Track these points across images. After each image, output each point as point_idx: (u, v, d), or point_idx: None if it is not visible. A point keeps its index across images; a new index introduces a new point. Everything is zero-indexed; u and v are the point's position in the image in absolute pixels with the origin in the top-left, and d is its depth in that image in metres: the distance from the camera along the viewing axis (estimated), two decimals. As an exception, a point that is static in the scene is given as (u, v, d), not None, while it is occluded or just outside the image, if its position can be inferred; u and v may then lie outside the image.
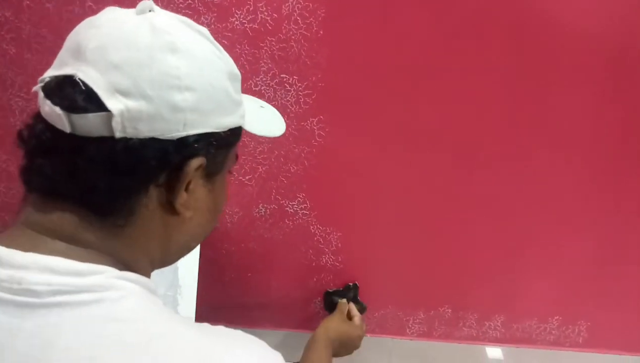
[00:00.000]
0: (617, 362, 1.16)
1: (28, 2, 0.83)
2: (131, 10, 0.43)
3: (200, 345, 0.39)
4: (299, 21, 0.83)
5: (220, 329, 0.44)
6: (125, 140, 0.39)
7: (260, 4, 0.82)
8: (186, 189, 0.44)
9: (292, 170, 0.97)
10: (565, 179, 0.97)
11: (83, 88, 0.38)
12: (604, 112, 0.90)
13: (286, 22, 0.83)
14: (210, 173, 0.46)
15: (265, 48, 0.85)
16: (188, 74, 0.41)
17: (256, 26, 0.84)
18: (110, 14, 0.42)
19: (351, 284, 1.08)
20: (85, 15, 0.84)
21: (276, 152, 0.95)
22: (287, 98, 0.90)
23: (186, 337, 0.39)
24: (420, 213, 1.01)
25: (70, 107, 0.38)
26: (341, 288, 1.09)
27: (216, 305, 1.12)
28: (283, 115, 0.91)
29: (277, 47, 0.85)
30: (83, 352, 0.35)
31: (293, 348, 1.14)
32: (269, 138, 0.93)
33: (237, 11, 0.83)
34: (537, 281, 1.08)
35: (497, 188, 0.98)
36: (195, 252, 0.96)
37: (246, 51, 0.86)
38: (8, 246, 0.38)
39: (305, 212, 1.02)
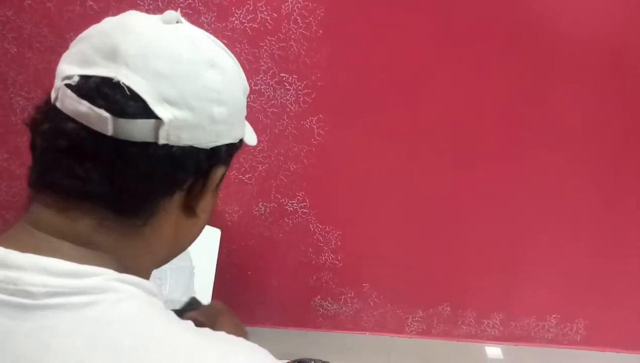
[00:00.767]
0: (615, 360, 1.17)
1: (29, 2, 0.83)
2: (157, 18, 0.44)
3: (195, 350, 0.38)
4: (299, 21, 0.84)
5: (220, 335, 0.43)
6: (167, 147, 0.40)
7: (260, 4, 0.82)
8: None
9: (291, 168, 0.97)
10: (564, 177, 0.97)
11: (128, 93, 0.38)
12: (603, 111, 0.90)
13: (286, 21, 0.84)
14: (222, 178, 0.48)
15: (265, 47, 0.86)
16: (224, 89, 0.43)
17: (256, 25, 0.84)
18: (144, 20, 0.42)
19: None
20: (86, 15, 0.85)
21: (276, 151, 0.96)
22: (287, 97, 0.90)
23: (183, 341, 0.38)
24: (420, 212, 1.02)
25: (119, 112, 0.38)
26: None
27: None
28: (283, 115, 0.93)
29: (277, 46, 0.86)
30: (78, 355, 0.34)
31: (292, 346, 1.15)
32: (269, 127, 0.94)
33: (237, 11, 0.83)
34: (536, 279, 1.09)
35: (496, 187, 0.98)
36: (213, 259, 0.96)
37: (246, 50, 0.86)
38: (7, 246, 0.37)
39: (304, 210, 1.02)
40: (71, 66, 0.40)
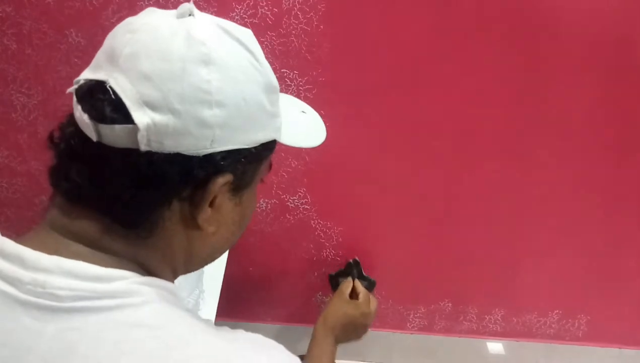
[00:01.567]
0: (616, 355, 1.17)
1: (29, -2, 0.83)
2: (172, 13, 0.41)
3: (218, 350, 0.39)
4: (300, 16, 0.83)
5: (239, 334, 0.43)
6: (149, 154, 0.38)
7: (261, -1, 0.82)
8: (211, 205, 0.42)
9: (292, 165, 0.97)
10: (565, 173, 0.97)
11: (113, 97, 0.37)
12: (605, 108, 0.90)
13: (286, 16, 0.83)
14: (239, 187, 0.44)
15: (265, 43, 0.85)
16: (220, 89, 0.39)
17: (256, 21, 0.84)
18: (148, 17, 0.41)
19: (352, 260, 1.04)
20: (86, 11, 0.84)
21: (277, 147, 0.95)
22: (288, 93, 0.90)
23: (205, 343, 0.39)
24: (421, 208, 1.02)
25: (98, 117, 0.37)
26: (343, 268, 1.06)
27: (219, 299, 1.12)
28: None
29: (278, 41, 0.85)
30: (103, 358, 0.35)
31: (294, 342, 1.15)
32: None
33: (237, 6, 0.83)
34: (537, 275, 1.09)
35: (498, 183, 0.98)
36: (222, 259, 0.95)
37: (247, 46, 0.86)
38: (35, 248, 0.38)
39: (306, 206, 1.02)
40: (86, 71, 0.40)
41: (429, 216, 1.02)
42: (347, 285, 0.97)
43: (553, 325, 1.15)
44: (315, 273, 1.11)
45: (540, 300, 1.12)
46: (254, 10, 0.83)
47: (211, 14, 0.87)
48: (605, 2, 0.81)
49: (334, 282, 1.06)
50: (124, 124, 0.37)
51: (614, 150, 0.94)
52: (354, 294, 0.96)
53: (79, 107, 0.38)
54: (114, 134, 0.37)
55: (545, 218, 1.02)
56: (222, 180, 0.41)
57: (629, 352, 1.17)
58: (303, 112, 0.56)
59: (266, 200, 1.02)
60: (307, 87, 0.89)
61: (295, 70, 0.88)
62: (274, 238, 1.06)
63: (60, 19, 0.84)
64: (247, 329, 0.45)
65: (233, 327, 0.44)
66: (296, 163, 0.97)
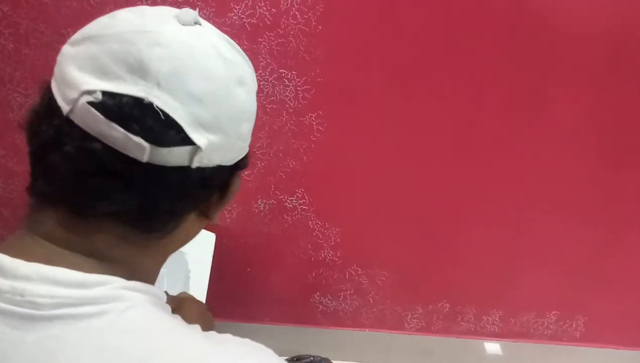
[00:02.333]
0: (614, 356, 1.17)
1: (26, -3, 0.82)
2: (171, 13, 0.40)
3: (204, 355, 0.38)
4: (298, 16, 0.83)
5: (227, 338, 0.43)
6: (200, 170, 0.39)
7: (259, -1, 0.82)
8: None
9: (291, 165, 0.97)
10: (563, 174, 0.97)
11: (163, 118, 0.36)
12: (603, 108, 0.90)
13: (285, 17, 0.83)
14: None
15: (263, 43, 0.85)
16: (250, 105, 0.43)
17: (254, 21, 0.84)
18: (162, 26, 0.38)
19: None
20: (83, 11, 0.84)
21: (275, 147, 0.95)
22: (286, 93, 0.90)
23: (191, 347, 0.38)
24: (419, 209, 1.02)
25: (157, 141, 0.35)
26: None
27: (215, 299, 1.12)
28: (282, 111, 0.92)
29: (276, 42, 0.85)
30: None
31: (291, 343, 1.15)
32: (267, 124, 0.93)
33: (235, 6, 0.83)
34: (535, 276, 1.09)
35: (495, 184, 0.98)
36: (207, 263, 0.95)
37: (244, 46, 0.85)
38: (13, 255, 0.37)
39: (304, 207, 1.02)
40: (85, 75, 0.36)
41: (426, 217, 1.02)
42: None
43: (551, 326, 1.15)
44: (313, 274, 1.11)
45: (538, 300, 1.12)
46: (252, 11, 0.83)
47: (210, 13, 0.87)
48: (603, 5, 0.81)
49: None
50: (183, 146, 0.37)
51: (612, 151, 0.94)
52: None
53: (119, 128, 0.35)
54: (170, 155, 0.36)
55: (543, 219, 1.02)
56: (239, 181, 0.45)
57: (626, 353, 1.17)
58: None
59: (264, 201, 1.01)
60: (305, 87, 0.89)
61: (293, 70, 0.88)
62: (272, 239, 1.06)
63: (57, 18, 0.84)
64: (244, 329, 0.45)
65: (230, 328, 0.44)
66: (294, 163, 0.97)
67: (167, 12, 0.40)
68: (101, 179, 0.36)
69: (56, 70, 0.39)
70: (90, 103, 0.35)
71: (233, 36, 0.90)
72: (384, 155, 0.96)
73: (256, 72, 0.90)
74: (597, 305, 1.12)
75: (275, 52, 0.86)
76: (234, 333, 0.43)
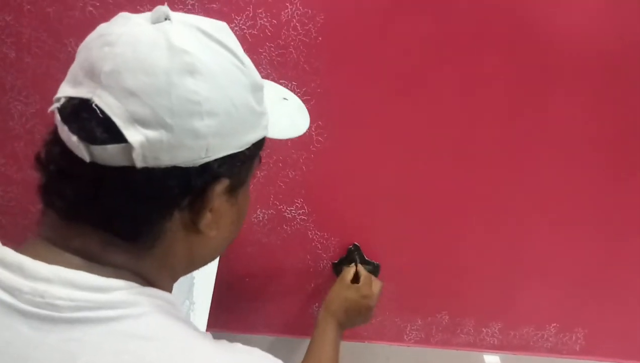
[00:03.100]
0: (614, 369, 1.16)
1: (29, 7, 0.83)
2: (146, 17, 0.40)
3: (217, 361, 0.39)
4: (298, 27, 0.84)
5: (237, 346, 0.44)
6: (147, 170, 0.37)
7: (260, 10, 0.83)
8: (210, 210, 0.43)
9: (290, 175, 0.97)
10: (564, 184, 0.97)
11: (101, 116, 0.36)
12: (603, 116, 0.90)
13: (285, 28, 0.84)
14: (234, 188, 0.45)
15: (264, 54, 0.86)
16: (209, 98, 0.38)
17: (255, 32, 0.84)
18: (124, 27, 0.39)
19: (352, 246, 1.04)
20: (85, 21, 0.85)
21: (274, 157, 0.95)
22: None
23: (203, 354, 0.39)
24: (418, 219, 1.02)
25: (89, 138, 0.36)
26: (345, 255, 1.05)
27: (214, 310, 1.11)
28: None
29: (276, 52, 0.86)
30: None
31: (289, 353, 1.14)
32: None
33: (236, 17, 0.83)
34: (535, 288, 1.08)
35: (495, 195, 0.98)
36: (212, 270, 0.95)
37: (245, 57, 0.86)
38: (34, 258, 0.37)
39: (303, 217, 1.02)
40: (64, 86, 0.39)
41: (426, 228, 1.02)
42: (348, 271, 0.98)
43: (550, 339, 1.15)
44: (312, 284, 1.10)
45: (538, 313, 1.12)
46: (252, 22, 0.84)
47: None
48: (603, 10, 0.82)
49: (338, 270, 1.05)
50: (116, 143, 0.36)
51: (614, 162, 0.94)
52: (357, 279, 0.96)
53: (66, 128, 0.37)
54: (107, 153, 0.37)
55: (543, 231, 1.02)
56: (220, 187, 0.42)
57: (626, 366, 1.16)
58: (285, 98, 0.56)
59: (263, 211, 1.01)
60: (305, 97, 0.89)
61: (293, 81, 0.88)
62: (271, 249, 1.06)
63: (59, 28, 0.84)
64: (242, 341, 0.45)
65: (228, 338, 0.44)
66: (293, 173, 0.97)
67: (144, 15, 0.41)
68: (62, 181, 0.39)
69: None
70: (57, 108, 0.38)
71: (234, 47, 0.89)
72: (384, 166, 0.96)
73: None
74: (597, 317, 1.11)
75: (275, 62, 0.87)
76: (232, 344, 0.44)
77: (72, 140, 0.36)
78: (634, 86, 0.87)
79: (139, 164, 0.37)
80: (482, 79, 0.87)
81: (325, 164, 0.95)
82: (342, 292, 0.92)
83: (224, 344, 0.43)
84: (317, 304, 1.13)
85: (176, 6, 0.83)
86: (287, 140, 0.93)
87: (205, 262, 0.50)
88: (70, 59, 0.41)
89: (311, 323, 1.14)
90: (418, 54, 0.86)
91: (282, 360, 0.46)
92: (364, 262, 1.04)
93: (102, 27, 0.40)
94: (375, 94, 0.89)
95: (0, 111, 0.92)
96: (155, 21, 0.40)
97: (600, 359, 1.16)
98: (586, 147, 0.93)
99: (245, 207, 0.50)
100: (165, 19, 0.40)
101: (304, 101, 0.89)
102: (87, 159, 0.37)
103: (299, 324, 1.15)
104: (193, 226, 0.43)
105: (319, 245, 1.05)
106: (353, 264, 1.01)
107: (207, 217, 0.42)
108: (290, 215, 1.02)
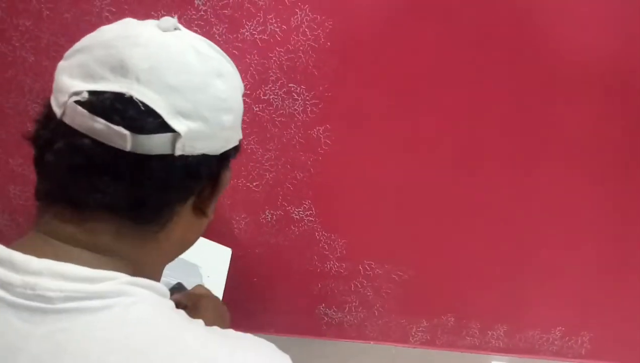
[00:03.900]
0: (620, 374, 1.16)
1: (47, 12, 0.86)
2: (153, 24, 0.44)
3: (206, 347, 0.40)
4: (307, 33, 0.86)
5: (229, 332, 0.45)
6: (183, 158, 0.41)
7: (270, 16, 0.85)
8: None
9: (298, 177, 0.99)
10: (570, 188, 0.97)
11: (143, 108, 0.39)
12: (607, 121, 0.91)
13: (294, 33, 0.86)
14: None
15: (274, 58, 0.88)
16: (230, 97, 0.45)
17: (265, 37, 0.86)
18: (144, 30, 0.42)
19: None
20: (101, 25, 0.87)
21: (283, 159, 0.97)
22: (295, 107, 0.92)
23: (193, 340, 0.40)
24: (425, 222, 1.02)
25: (137, 128, 0.38)
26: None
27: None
28: (291, 124, 0.94)
29: (286, 57, 0.88)
30: (92, 356, 0.36)
31: (296, 354, 1.15)
32: (276, 136, 0.95)
33: (247, 23, 0.85)
34: (541, 291, 1.09)
35: (502, 198, 0.99)
36: (222, 277, 0.96)
37: (256, 61, 0.88)
38: (26, 252, 0.39)
39: (310, 218, 1.03)
40: (74, 80, 0.40)
41: (433, 230, 1.03)
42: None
43: (556, 342, 1.15)
44: (319, 285, 1.12)
45: (544, 316, 1.12)
46: (263, 27, 0.86)
47: (223, 30, 0.90)
48: (609, 17, 0.82)
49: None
50: (164, 133, 0.39)
51: (619, 166, 0.95)
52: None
53: (101, 120, 0.38)
54: (150, 143, 0.39)
55: (550, 235, 1.02)
56: (230, 173, 0.48)
57: (633, 371, 1.16)
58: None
59: (272, 212, 1.03)
60: (313, 101, 0.91)
61: (302, 85, 0.90)
62: (279, 250, 1.07)
63: (77, 33, 0.86)
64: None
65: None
66: (301, 175, 0.98)
67: (149, 22, 0.45)
68: (92, 172, 0.40)
69: (54, 83, 0.43)
70: (77, 102, 0.39)
71: (245, 51, 0.93)
72: (390, 168, 0.97)
73: (266, 86, 0.92)
74: (604, 321, 1.11)
75: (285, 67, 0.88)
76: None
77: (113, 130, 0.38)
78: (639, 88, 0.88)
79: (178, 151, 0.40)
80: (489, 83, 0.88)
81: (333, 166, 0.97)
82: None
83: (215, 330, 0.44)
84: (323, 304, 1.14)
85: (189, 12, 0.85)
86: (295, 143, 0.95)
87: (189, 246, 0.52)
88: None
89: (318, 324, 1.15)
90: (426, 58, 0.87)
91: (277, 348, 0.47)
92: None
93: (116, 30, 0.43)
94: (382, 97, 0.90)
95: (18, 113, 0.95)
96: (165, 30, 0.43)
97: (606, 363, 1.16)
98: (592, 150, 0.94)
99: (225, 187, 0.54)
100: (175, 29, 0.45)
101: (312, 105, 0.92)
102: (127, 148, 0.38)
103: (305, 324, 1.16)
104: (199, 211, 0.47)
105: (326, 246, 1.06)
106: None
107: (214, 202, 0.48)
108: (298, 217, 1.03)
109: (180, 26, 0.45)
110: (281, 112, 0.93)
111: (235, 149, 0.49)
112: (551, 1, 0.82)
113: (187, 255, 0.51)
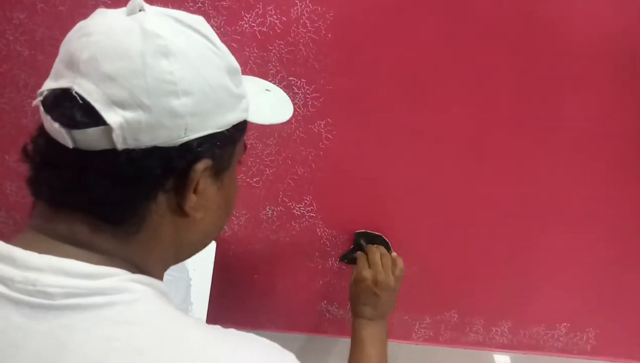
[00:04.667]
0: (626, 370, 1.15)
1: (42, 5, 0.84)
2: (122, 10, 0.42)
3: (208, 347, 0.39)
4: (308, 24, 0.84)
5: (231, 331, 0.44)
6: (128, 152, 0.39)
7: (269, 7, 0.83)
8: (195, 191, 0.44)
9: (299, 172, 0.97)
10: (575, 183, 0.96)
11: (81, 102, 0.38)
12: (612, 118, 0.90)
13: (295, 25, 0.84)
14: (219, 171, 0.46)
15: (273, 51, 0.86)
16: (183, 78, 0.40)
17: (265, 29, 0.85)
18: (100, 18, 0.42)
19: (355, 235, 1.02)
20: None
21: (283, 155, 0.96)
22: (295, 101, 0.90)
23: (195, 339, 0.39)
24: (427, 217, 1.01)
25: (70, 123, 0.38)
26: (352, 246, 1.02)
27: (222, 306, 1.12)
28: (291, 118, 0.92)
29: (286, 50, 0.86)
30: (93, 354, 0.35)
31: (297, 351, 1.14)
32: (276, 131, 0.93)
33: (246, 14, 0.84)
34: (545, 287, 1.08)
35: (506, 193, 0.98)
36: (209, 271, 0.96)
37: (255, 54, 0.87)
38: (24, 248, 0.38)
39: (311, 214, 1.02)
40: (48, 81, 0.41)
41: (436, 226, 1.02)
42: (357, 265, 0.96)
43: (561, 338, 1.14)
44: (320, 282, 1.11)
45: (548, 312, 1.11)
46: (262, 19, 0.84)
47: (221, 22, 0.88)
48: (617, 9, 0.81)
49: (350, 260, 1.03)
50: (96, 127, 0.38)
51: (625, 163, 0.93)
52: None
53: (49, 117, 0.39)
54: (88, 137, 0.38)
55: (554, 231, 1.01)
56: (202, 166, 0.43)
57: (638, 367, 1.15)
58: (267, 90, 0.58)
59: (272, 208, 1.02)
60: (314, 95, 0.90)
61: (302, 78, 0.88)
62: (280, 246, 1.06)
63: (72, 26, 0.85)
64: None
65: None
66: (302, 171, 0.97)
67: (120, 9, 0.43)
68: (48, 170, 0.41)
69: None
70: (41, 101, 0.40)
71: (243, 44, 0.91)
72: (393, 163, 0.96)
73: (266, 80, 0.90)
74: (609, 317, 1.10)
75: (285, 59, 0.87)
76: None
77: (54, 127, 0.38)
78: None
79: (120, 145, 0.38)
80: (493, 78, 0.87)
81: (334, 162, 0.96)
82: (351, 289, 0.94)
83: (217, 329, 0.43)
84: (325, 301, 1.13)
85: (186, 4, 0.84)
86: (296, 138, 0.93)
87: (195, 249, 0.50)
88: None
89: (319, 321, 1.15)
90: (429, 50, 0.85)
91: (281, 347, 0.46)
92: (371, 243, 1.00)
93: (81, 22, 0.43)
94: (384, 91, 0.89)
95: (14, 109, 0.93)
96: (130, 13, 0.42)
97: (612, 359, 1.15)
98: (598, 148, 0.92)
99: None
100: (140, 10, 0.42)
101: (313, 98, 0.90)
102: (69, 144, 0.38)
103: (307, 321, 1.16)
104: (179, 209, 0.44)
105: (327, 242, 1.05)
106: (358, 252, 0.99)
107: (192, 199, 0.44)
108: (299, 212, 1.02)
109: (147, 6, 0.42)
110: (281, 106, 0.91)
111: (217, 137, 0.43)
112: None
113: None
